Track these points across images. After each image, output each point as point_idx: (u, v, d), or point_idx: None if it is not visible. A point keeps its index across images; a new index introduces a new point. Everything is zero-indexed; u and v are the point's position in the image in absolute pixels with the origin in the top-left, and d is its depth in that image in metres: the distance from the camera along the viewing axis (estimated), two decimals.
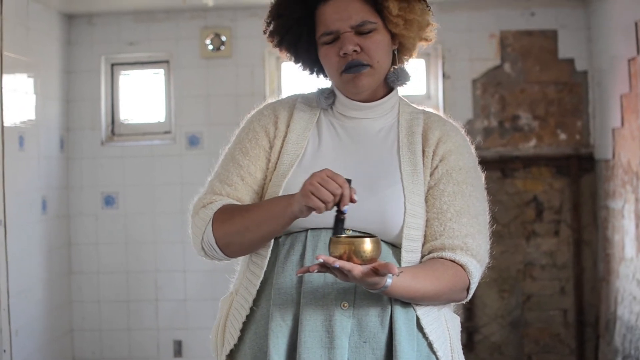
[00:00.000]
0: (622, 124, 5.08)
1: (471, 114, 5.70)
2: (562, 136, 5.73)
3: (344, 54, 2.10)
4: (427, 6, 2.19)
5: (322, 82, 2.31)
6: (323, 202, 1.89)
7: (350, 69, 2.11)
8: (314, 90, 2.28)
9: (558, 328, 5.75)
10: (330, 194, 1.89)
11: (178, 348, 5.81)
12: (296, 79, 5.89)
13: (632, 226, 4.95)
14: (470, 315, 5.68)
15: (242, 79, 5.81)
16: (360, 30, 2.11)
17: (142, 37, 5.84)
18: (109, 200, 5.83)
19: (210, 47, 5.79)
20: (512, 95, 5.74)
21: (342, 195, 1.89)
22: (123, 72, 5.94)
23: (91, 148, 5.83)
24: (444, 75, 5.74)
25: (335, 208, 1.92)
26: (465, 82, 5.74)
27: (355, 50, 2.10)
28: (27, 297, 5.11)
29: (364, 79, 2.13)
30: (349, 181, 1.91)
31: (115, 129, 5.93)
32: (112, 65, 5.92)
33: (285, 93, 6.08)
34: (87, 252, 5.82)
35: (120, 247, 5.83)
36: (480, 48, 5.74)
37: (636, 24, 4.76)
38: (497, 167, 5.63)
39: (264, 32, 2.25)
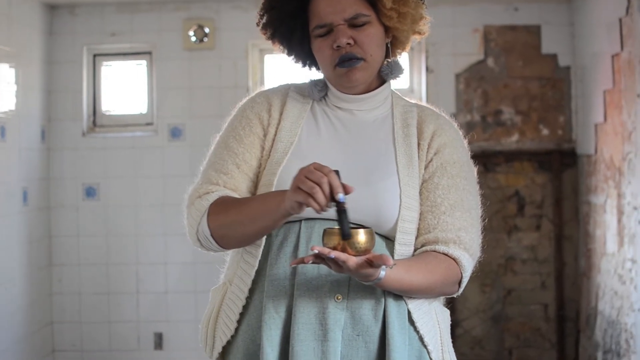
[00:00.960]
0: (605, 119, 5.10)
1: (454, 108, 5.71)
2: (545, 131, 5.75)
3: (338, 46, 2.09)
4: None
5: (309, 75, 2.28)
6: (310, 194, 1.83)
7: (344, 63, 2.10)
8: (306, 81, 2.26)
9: (539, 322, 5.77)
10: (315, 183, 1.82)
11: (159, 340, 5.79)
12: (279, 72, 5.88)
13: (614, 221, 4.98)
14: (451, 309, 5.63)
15: (225, 71, 5.78)
16: (353, 23, 2.10)
17: (124, 28, 5.80)
18: (90, 192, 5.79)
19: (193, 38, 5.76)
20: (495, 89, 5.75)
21: (331, 186, 1.83)
22: (105, 63, 5.90)
23: (72, 139, 5.79)
24: (427, 69, 5.74)
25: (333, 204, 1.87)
26: (449, 76, 5.75)
27: (349, 43, 2.09)
28: (7, 289, 5.07)
29: (357, 73, 2.12)
30: (337, 173, 1.86)
31: (96, 120, 5.89)
32: (94, 55, 5.88)
33: (269, 85, 6.05)
34: (68, 244, 5.78)
35: (101, 239, 5.79)
36: (463, 42, 5.74)
37: (620, 21, 4.78)
38: (479, 161, 5.54)
39: (257, 24, 2.22)
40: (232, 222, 2.05)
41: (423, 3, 2.19)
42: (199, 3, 5.76)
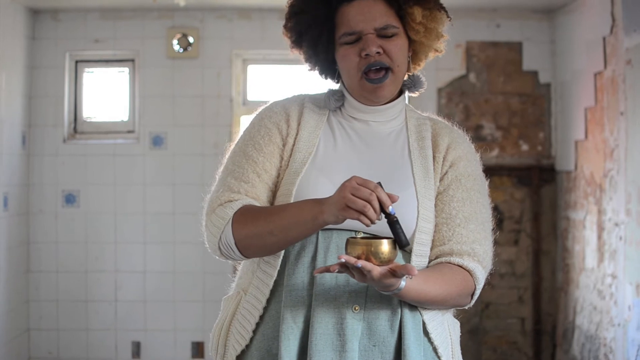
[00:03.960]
0: (586, 136, 5.17)
1: None
2: (524, 147, 5.81)
3: (367, 55, 2.09)
4: (448, 16, 2.20)
5: (326, 85, 2.28)
6: (361, 212, 1.86)
7: (374, 80, 2.10)
8: (321, 91, 2.25)
9: (516, 336, 5.82)
10: (365, 201, 1.86)
11: (136, 349, 5.76)
12: (262, 82, 5.89)
13: (593, 237, 5.04)
14: None
15: (208, 81, 5.78)
16: (382, 34, 2.10)
17: (108, 35, 5.78)
18: (69, 199, 5.76)
19: (177, 47, 5.75)
20: (476, 105, 5.81)
21: (380, 200, 1.87)
22: (87, 69, 5.88)
23: (53, 145, 5.75)
24: None
25: (382, 216, 1.90)
26: (431, 90, 5.79)
27: (378, 52, 2.09)
28: None
29: (386, 89, 2.13)
30: (380, 185, 1.90)
31: (77, 127, 5.86)
32: (77, 62, 5.86)
33: (251, 95, 6.01)
34: (46, 251, 5.74)
35: (80, 246, 5.76)
36: (446, 57, 5.72)
37: (604, 39, 4.85)
38: None
39: (284, 27, 2.21)
40: (261, 232, 2.03)
41: (449, 19, 2.21)
42: (184, 12, 5.76)
